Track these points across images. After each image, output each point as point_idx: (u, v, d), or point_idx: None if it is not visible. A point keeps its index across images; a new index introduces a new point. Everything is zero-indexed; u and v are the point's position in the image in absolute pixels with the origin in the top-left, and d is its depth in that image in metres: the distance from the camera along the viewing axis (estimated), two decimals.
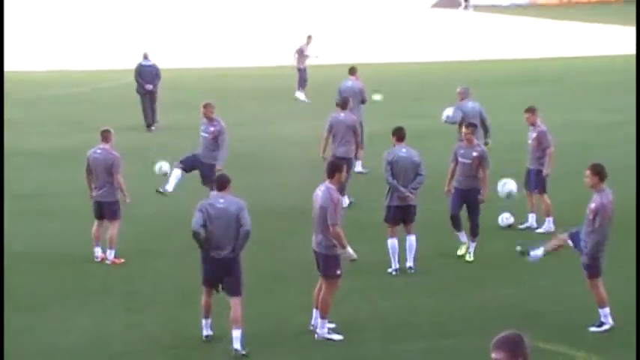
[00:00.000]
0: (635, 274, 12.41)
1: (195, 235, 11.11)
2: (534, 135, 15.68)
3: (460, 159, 14.47)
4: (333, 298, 11.49)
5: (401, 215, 13.77)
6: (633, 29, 50.11)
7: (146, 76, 25.19)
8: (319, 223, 11.35)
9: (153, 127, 25.24)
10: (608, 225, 11.38)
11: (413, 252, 13.80)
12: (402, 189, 13.62)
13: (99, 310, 12.65)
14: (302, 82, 29.96)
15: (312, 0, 66.31)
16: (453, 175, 14.56)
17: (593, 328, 11.65)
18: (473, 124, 14.90)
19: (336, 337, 11.50)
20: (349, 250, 11.42)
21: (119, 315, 12.54)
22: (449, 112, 17.98)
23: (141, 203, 16.11)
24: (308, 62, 30.13)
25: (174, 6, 62.75)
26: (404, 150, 13.80)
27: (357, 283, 12.93)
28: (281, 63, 31.94)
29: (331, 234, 11.24)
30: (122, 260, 14.44)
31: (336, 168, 11.52)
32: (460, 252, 14.46)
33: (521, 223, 15.84)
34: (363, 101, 20.21)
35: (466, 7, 68.68)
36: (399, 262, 13.74)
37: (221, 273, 11.23)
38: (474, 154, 14.37)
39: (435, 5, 71.43)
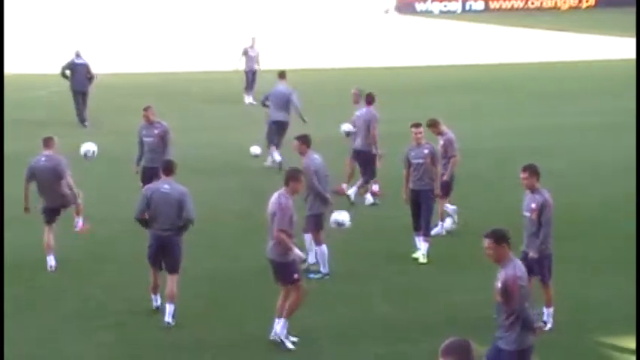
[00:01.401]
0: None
1: (138, 221, 12.26)
2: (441, 142, 15.75)
3: (413, 160, 14.59)
4: (300, 303, 11.49)
5: (322, 220, 13.95)
6: (583, 36, 50.87)
7: (78, 74, 25.58)
8: (272, 229, 11.36)
9: (87, 123, 25.83)
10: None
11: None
12: (328, 195, 13.97)
13: (50, 317, 12.52)
14: (249, 85, 30.16)
15: (256, 7, 66.41)
16: (408, 181, 14.65)
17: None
18: (419, 124, 14.87)
19: (289, 344, 11.47)
20: (296, 251, 11.44)
21: (71, 322, 12.40)
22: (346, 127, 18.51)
23: (93, 206, 15.96)
24: (255, 65, 30.26)
25: (122, 10, 62.44)
26: (316, 156, 13.94)
27: (311, 289, 12.91)
28: (229, 67, 32.05)
29: (277, 238, 11.26)
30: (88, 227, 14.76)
31: (292, 177, 11.51)
32: (415, 255, 14.51)
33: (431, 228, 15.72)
34: (288, 107, 20.56)
35: (387, 11, 69.55)
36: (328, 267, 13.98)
37: (162, 251, 12.15)
38: (425, 151, 14.54)
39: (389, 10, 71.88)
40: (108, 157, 19.80)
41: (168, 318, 12.09)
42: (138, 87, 32.94)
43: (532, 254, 11.56)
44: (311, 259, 14.14)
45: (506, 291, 8.68)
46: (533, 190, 11.65)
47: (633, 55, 40.48)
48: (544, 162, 19.25)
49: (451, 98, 30.72)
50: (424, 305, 12.88)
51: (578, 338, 11.74)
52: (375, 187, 18.08)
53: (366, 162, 17.88)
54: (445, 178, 15.51)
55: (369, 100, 18.16)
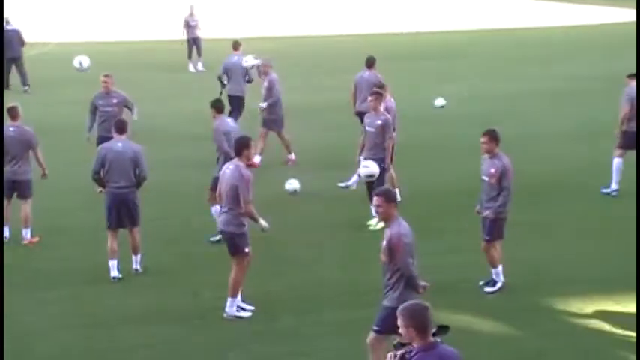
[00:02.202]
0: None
1: (94, 180, 12.83)
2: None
3: (367, 128, 14.56)
4: (243, 276, 11.41)
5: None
6: (544, 3, 51.12)
7: (9, 41, 25.77)
8: (228, 202, 11.20)
9: (27, 87, 26.18)
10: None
11: None
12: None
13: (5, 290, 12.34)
14: (192, 53, 30.19)
15: None
16: (363, 147, 14.63)
17: (487, 288, 11.97)
18: (377, 92, 14.77)
19: (245, 313, 11.43)
20: (262, 222, 11.38)
21: (23, 294, 12.23)
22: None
23: (54, 178, 15.71)
24: (198, 33, 30.32)
25: None
26: (229, 120, 14.36)
27: (266, 258, 12.88)
28: (177, 37, 31.96)
29: (245, 212, 11.14)
30: (37, 239, 14.09)
31: (243, 145, 11.34)
32: (369, 223, 14.51)
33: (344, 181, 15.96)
34: (245, 77, 20.14)
35: None
36: None
37: (121, 208, 12.60)
38: (378, 122, 14.43)
39: None
40: (56, 128, 19.54)
41: (136, 265, 12.85)
42: (100, 55, 32.48)
43: (489, 214, 11.68)
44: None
45: (391, 248, 8.95)
46: (492, 155, 11.69)
47: (589, 21, 40.90)
48: (501, 127, 19.49)
49: (414, 65, 30.70)
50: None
51: (530, 299, 11.87)
52: (292, 157, 18.28)
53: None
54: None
55: (370, 63, 18.55)
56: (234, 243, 11.33)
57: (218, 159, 13.90)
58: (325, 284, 12.52)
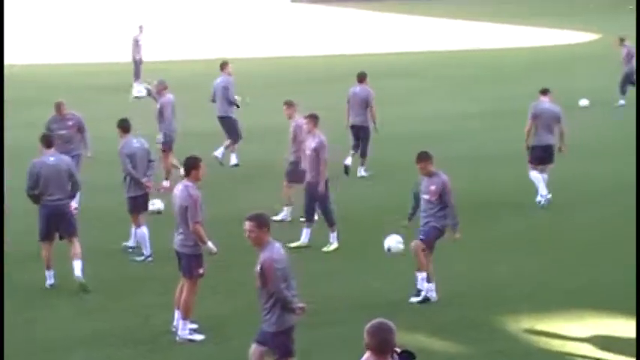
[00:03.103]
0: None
1: (30, 197, 12.99)
2: (291, 128, 15.86)
3: (306, 151, 14.68)
4: (194, 298, 11.32)
5: (143, 202, 14.31)
6: (483, 24, 51.71)
7: None
8: (180, 222, 11.16)
9: None
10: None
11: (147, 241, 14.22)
12: (145, 179, 14.18)
13: None
14: (138, 73, 30.09)
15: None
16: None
17: (413, 298, 12.12)
18: (312, 115, 14.78)
19: (198, 337, 11.32)
20: (210, 244, 11.31)
21: None
22: None
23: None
24: (142, 54, 30.30)
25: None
26: (135, 141, 14.33)
27: (219, 279, 12.79)
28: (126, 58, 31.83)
29: (192, 231, 11.08)
30: None
31: (193, 165, 11.29)
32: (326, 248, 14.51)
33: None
34: (228, 99, 19.89)
35: None
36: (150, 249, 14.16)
37: (56, 219, 12.87)
38: (312, 144, 14.51)
39: (294, 0, 72.12)
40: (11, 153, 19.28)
41: (78, 272, 12.91)
42: (27, 79, 32.25)
43: (458, 235, 12.05)
44: (132, 242, 14.44)
45: (263, 273, 8.92)
46: (430, 174, 11.94)
47: (526, 44, 41.44)
48: (447, 147, 19.67)
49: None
50: (333, 290, 12.86)
51: (481, 317, 11.90)
52: (166, 184, 17.74)
53: (363, 138, 18.70)
54: (290, 159, 15.80)
55: (362, 78, 19.04)
56: (189, 264, 11.25)
57: (124, 179, 14.18)
58: None
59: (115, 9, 60.88)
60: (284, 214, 15.94)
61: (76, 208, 14.91)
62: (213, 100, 20.17)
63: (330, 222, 14.55)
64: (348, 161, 18.77)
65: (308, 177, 14.57)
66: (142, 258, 14.11)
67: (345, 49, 42.30)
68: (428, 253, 12.07)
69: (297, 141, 15.63)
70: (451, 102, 28.01)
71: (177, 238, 11.29)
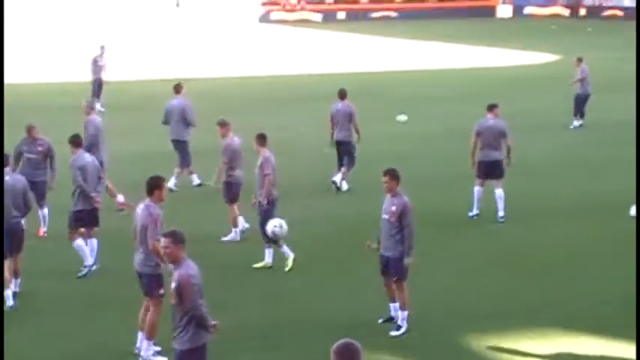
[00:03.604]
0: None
1: None
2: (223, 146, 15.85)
3: (256, 170, 14.72)
4: (159, 318, 11.22)
5: (88, 217, 14.32)
6: (435, 44, 52.11)
7: None
8: (141, 242, 11.10)
9: None
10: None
11: (95, 252, 14.29)
12: (94, 193, 14.21)
13: None
14: (96, 93, 29.90)
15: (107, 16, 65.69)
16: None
17: (393, 332, 11.92)
18: (258, 135, 14.80)
19: (162, 359, 11.21)
20: (170, 265, 11.17)
21: None
22: None
23: None
24: (103, 74, 30.10)
25: None
26: (87, 155, 14.56)
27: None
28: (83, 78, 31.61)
29: (152, 250, 11.02)
30: None
31: (155, 185, 11.26)
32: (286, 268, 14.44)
33: (225, 235, 15.85)
34: (186, 120, 19.64)
35: (177, 4, 70.99)
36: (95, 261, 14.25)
37: (11, 237, 12.91)
38: (258, 162, 14.55)
39: (263, 20, 72.30)
40: None
41: (16, 288, 13.17)
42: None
43: (407, 260, 11.76)
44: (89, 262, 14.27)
45: (179, 290, 8.91)
46: (393, 193, 11.81)
47: (484, 64, 41.70)
48: (410, 166, 19.71)
49: (315, 106, 30.91)
50: (296, 311, 12.81)
51: (446, 336, 11.91)
52: (120, 198, 17.62)
53: (347, 151, 19.09)
54: (214, 183, 15.95)
55: (343, 95, 19.46)
56: (149, 284, 11.19)
57: (74, 193, 14.18)
58: (239, 326, 12.35)
59: (82, 27, 60.64)
60: (232, 234, 15.89)
61: (45, 232, 14.83)
62: (166, 123, 19.85)
63: (267, 239, 14.43)
64: (337, 177, 19.17)
65: (259, 196, 14.54)
66: (85, 272, 14.01)
67: (309, 69, 42.38)
68: (400, 283, 11.95)
69: (227, 160, 15.73)
70: (413, 121, 28.09)
71: (138, 258, 11.24)
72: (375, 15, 75.03)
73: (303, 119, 28.58)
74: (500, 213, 16.85)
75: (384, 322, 12.10)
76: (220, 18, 70.92)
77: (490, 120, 16.99)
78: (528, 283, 13.70)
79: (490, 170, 16.82)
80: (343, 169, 19.21)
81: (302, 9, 74.80)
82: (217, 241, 15.56)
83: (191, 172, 19.78)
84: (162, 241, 9.04)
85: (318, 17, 73.83)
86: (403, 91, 34.10)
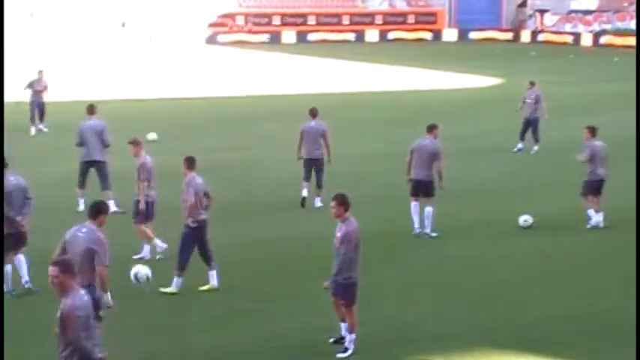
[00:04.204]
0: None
1: None
2: (138, 164, 15.82)
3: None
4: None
5: (14, 240, 14.00)
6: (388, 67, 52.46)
7: None
8: (82, 265, 10.80)
9: None
10: (355, 251, 11.74)
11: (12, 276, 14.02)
12: (19, 217, 13.94)
13: None
14: (40, 116, 29.69)
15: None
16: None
17: (339, 355, 11.88)
18: (185, 158, 14.59)
19: None
20: (108, 296, 11.02)
21: None
22: None
23: None
24: (44, 97, 29.92)
25: None
26: (12, 178, 14.07)
27: (126, 322, 12.56)
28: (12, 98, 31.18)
29: (100, 275, 10.83)
30: None
31: (100, 209, 11.13)
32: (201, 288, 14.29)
33: (137, 254, 15.72)
34: (104, 142, 19.27)
35: (123, 25, 71.17)
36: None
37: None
38: (183, 186, 14.46)
39: (210, 42, 72.24)
40: None
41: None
42: None
43: (326, 283, 11.83)
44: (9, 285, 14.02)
45: (62, 321, 8.54)
46: (341, 219, 11.84)
47: (429, 87, 41.99)
48: (360, 188, 19.77)
49: (263, 127, 30.96)
50: (246, 334, 12.73)
51: (393, 355, 11.93)
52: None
53: (319, 169, 19.50)
54: (142, 204, 15.67)
55: (314, 113, 19.79)
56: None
57: None
58: (189, 349, 12.27)
59: (26, 49, 60.03)
60: (145, 251, 15.73)
61: None
62: (81, 144, 19.34)
63: (179, 264, 14.22)
64: (305, 193, 19.40)
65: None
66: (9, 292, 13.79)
67: (258, 90, 42.42)
68: (348, 308, 11.92)
69: (142, 179, 15.64)
70: (355, 144, 28.22)
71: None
72: (322, 37, 75.40)
73: (251, 139, 28.57)
74: (427, 230, 17.14)
75: (334, 342, 12.07)
76: (167, 39, 70.79)
77: (425, 140, 17.31)
78: (474, 305, 13.77)
79: (419, 188, 17.16)
80: (318, 190, 19.46)
81: (249, 31, 74.95)
82: (164, 262, 15.36)
83: (79, 196, 19.09)
84: (51, 269, 8.54)
85: (265, 39, 74.01)
86: (348, 113, 34.25)
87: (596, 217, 17.82)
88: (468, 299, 14.05)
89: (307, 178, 19.65)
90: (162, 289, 14.02)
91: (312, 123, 19.74)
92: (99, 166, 19.19)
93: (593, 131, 18.05)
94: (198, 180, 14.32)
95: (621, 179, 19.88)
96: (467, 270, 15.50)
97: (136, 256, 15.50)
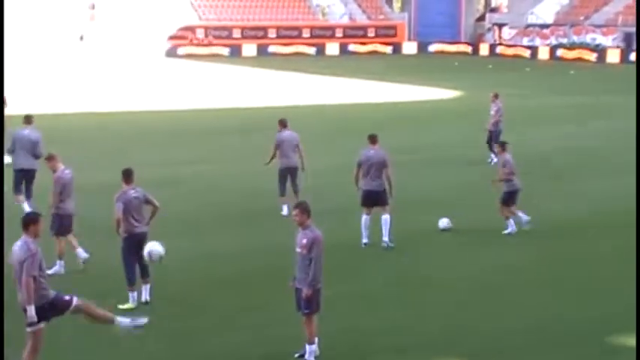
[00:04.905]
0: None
1: None
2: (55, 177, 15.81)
3: None
4: (38, 354, 10.93)
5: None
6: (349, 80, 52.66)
7: None
8: (19, 279, 10.82)
9: None
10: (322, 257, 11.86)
11: None
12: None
13: None
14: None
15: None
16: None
17: None
18: (123, 171, 14.53)
19: None
20: (32, 309, 10.82)
21: None
22: None
23: None
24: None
25: None
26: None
27: (85, 339, 12.53)
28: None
29: (22, 284, 10.76)
30: None
31: (31, 221, 11.12)
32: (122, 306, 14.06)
33: (49, 268, 15.35)
34: (35, 153, 19.59)
35: (82, 38, 71.16)
36: None
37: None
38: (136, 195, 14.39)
39: (170, 55, 72.07)
40: None
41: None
42: None
43: (306, 291, 11.78)
44: None
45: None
46: (304, 226, 11.96)
47: (393, 99, 42.22)
48: (319, 201, 19.84)
49: (225, 140, 30.98)
50: (195, 347, 12.75)
51: None
52: None
53: (295, 177, 20.04)
54: (53, 211, 15.63)
55: (284, 124, 20.27)
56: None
57: None
58: None
59: None
60: (56, 267, 15.59)
61: None
62: (12, 151, 19.81)
63: (126, 280, 14.11)
64: (285, 211, 19.57)
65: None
66: None
67: (219, 103, 42.43)
68: (308, 317, 11.90)
69: (57, 193, 15.62)
70: (317, 155, 28.36)
71: (20, 296, 10.91)
72: (283, 51, 75.57)
73: (213, 152, 28.58)
74: (385, 238, 17.21)
75: (300, 356, 12.10)
76: (126, 52, 70.58)
77: (371, 150, 17.48)
78: (435, 315, 13.79)
79: (372, 199, 17.32)
80: (295, 195, 19.72)
81: (209, 43, 74.94)
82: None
83: (21, 202, 19.36)
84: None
85: (225, 52, 74.03)
86: (308, 125, 34.39)
87: (524, 218, 18.55)
88: (431, 311, 14.10)
89: (283, 192, 19.92)
90: (120, 306, 13.85)
91: (286, 133, 20.12)
92: (30, 174, 19.58)
93: (504, 146, 18.94)
94: (132, 193, 14.16)
95: (589, 190, 20.09)
96: (429, 281, 15.56)
97: (49, 272, 15.41)
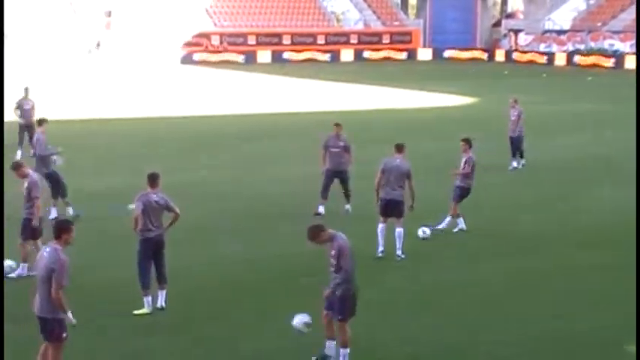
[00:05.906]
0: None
1: None
2: (25, 185, 15.72)
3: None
4: None
5: None
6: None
7: None
8: (43, 285, 10.70)
9: None
10: (352, 262, 11.76)
11: None
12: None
13: None
14: (23, 139, 28.02)
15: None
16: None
17: None
18: (151, 175, 14.38)
19: None
20: (70, 315, 10.82)
21: None
22: None
23: None
24: (32, 117, 28.06)
25: None
26: None
27: (86, 346, 12.43)
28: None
29: (53, 298, 10.63)
30: None
31: (63, 229, 10.92)
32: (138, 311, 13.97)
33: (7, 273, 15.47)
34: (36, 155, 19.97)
35: (98, 45, 71.29)
36: None
37: None
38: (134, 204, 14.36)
39: (185, 61, 72.19)
40: None
41: None
42: None
43: (338, 292, 11.73)
44: None
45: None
46: (328, 240, 11.84)
47: (403, 105, 42.04)
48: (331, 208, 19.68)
49: (242, 146, 30.91)
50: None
51: None
52: None
53: (344, 179, 20.77)
54: (34, 222, 15.46)
55: (340, 127, 20.88)
56: (51, 329, 10.77)
57: None
58: None
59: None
60: (19, 270, 15.50)
61: None
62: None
63: (140, 284, 13.98)
64: (321, 209, 20.07)
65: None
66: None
67: (234, 109, 42.42)
68: (341, 323, 11.85)
69: (30, 198, 15.51)
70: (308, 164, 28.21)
71: (37, 302, 10.82)
72: (297, 57, 75.56)
73: (229, 158, 28.52)
74: (398, 252, 16.90)
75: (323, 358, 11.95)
76: (142, 59, 70.68)
77: (396, 160, 17.18)
78: (451, 324, 13.62)
79: (390, 209, 16.98)
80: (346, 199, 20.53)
81: (224, 50, 74.99)
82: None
83: (55, 205, 19.62)
84: None
85: (240, 58, 74.07)
86: (323, 132, 34.31)
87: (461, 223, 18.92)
88: (440, 320, 13.96)
89: (325, 195, 20.36)
90: (136, 312, 13.76)
91: (334, 135, 20.75)
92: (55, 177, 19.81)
93: (469, 143, 19.18)
94: (154, 197, 14.04)
95: (603, 198, 19.90)
96: (437, 291, 15.37)
97: (12, 275, 15.34)
